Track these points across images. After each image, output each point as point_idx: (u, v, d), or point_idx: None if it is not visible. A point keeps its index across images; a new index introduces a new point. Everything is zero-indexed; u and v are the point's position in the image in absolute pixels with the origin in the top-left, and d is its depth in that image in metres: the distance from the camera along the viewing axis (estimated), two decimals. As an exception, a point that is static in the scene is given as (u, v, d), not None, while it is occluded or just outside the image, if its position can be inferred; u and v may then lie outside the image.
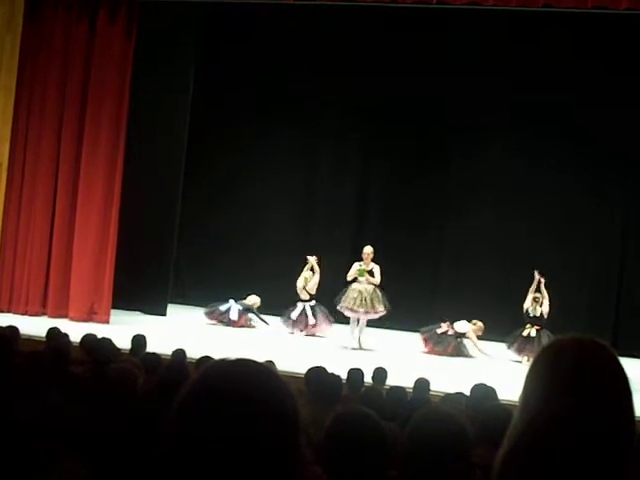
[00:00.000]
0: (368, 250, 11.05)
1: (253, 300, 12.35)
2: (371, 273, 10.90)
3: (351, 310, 10.94)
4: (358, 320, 11.03)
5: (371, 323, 11.34)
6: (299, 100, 13.31)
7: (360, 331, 11.03)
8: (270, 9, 11.88)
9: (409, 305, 12.39)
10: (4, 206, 11.51)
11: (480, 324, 11.10)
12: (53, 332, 7.68)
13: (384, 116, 13.02)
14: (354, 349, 10.77)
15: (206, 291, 13.06)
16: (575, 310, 11.98)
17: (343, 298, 10.97)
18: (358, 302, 10.84)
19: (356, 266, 10.98)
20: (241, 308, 12.15)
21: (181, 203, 12.60)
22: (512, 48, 12.25)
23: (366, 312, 10.92)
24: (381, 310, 10.95)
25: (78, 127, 11.46)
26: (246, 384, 1.28)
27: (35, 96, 11.50)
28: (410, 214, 13.01)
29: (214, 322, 12.18)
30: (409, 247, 12.90)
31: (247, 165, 13.48)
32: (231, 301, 12.18)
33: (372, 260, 11.01)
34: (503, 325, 11.81)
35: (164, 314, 12.25)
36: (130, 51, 11.40)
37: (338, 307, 11.07)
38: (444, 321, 11.16)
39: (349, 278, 10.99)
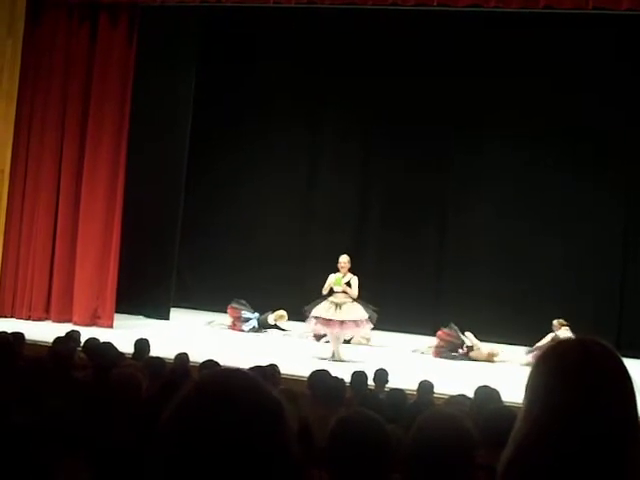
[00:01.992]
0: (344, 259, 9.95)
1: (280, 314, 12.12)
2: (348, 285, 9.82)
3: (325, 320, 9.80)
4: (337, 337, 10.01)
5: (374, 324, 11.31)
6: (300, 100, 13.33)
7: (337, 343, 10.00)
8: (271, 10, 11.86)
9: (411, 306, 12.38)
10: (6, 211, 11.51)
11: (497, 351, 10.86)
12: (74, 334, 7.77)
13: (385, 116, 13.02)
14: (333, 360, 9.74)
15: (209, 294, 13.07)
16: (578, 310, 11.95)
17: (315, 308, 9.86)
18: (332, 311, 9.74)
19: (331, 278, 9.87)
20: (257, 326, 12.06)
21: (183, 206, 12.60)
22: (513, 48, 12.23)
23: (342, 322, 9.76)
24: (362, 319, 9.81)
25: (80, 131, 11.47)
26: (234, 393, 1.31)
27: (37, 101, 11.51)
28: (412, 214, 12.98)
29: (230, 317, 12.09)
30: (411, 247, 12.87)
31: (248, 167, 13.47)
32: (255, 314, 12.10)
33: (349, 270, 9.94)
34: (505, 326, 11.83)
35: (167, 318, 12.24)
36: (131, 55, 11.41)
37: (308, 320, 9.96)
38: (467, 349, 10.86)
39: (324, 292, 9.86)
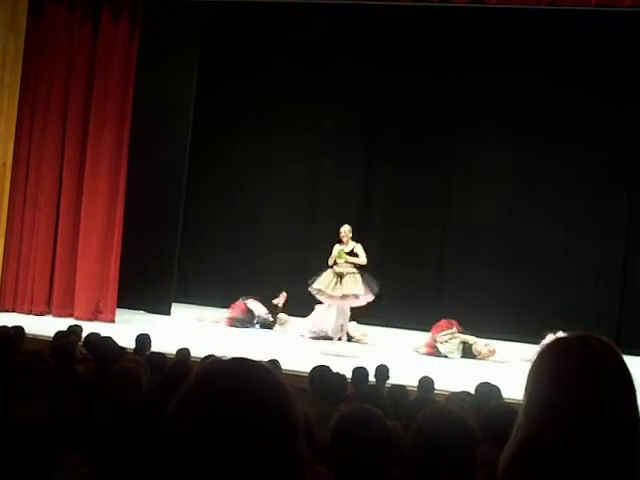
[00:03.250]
0: (345, 228, 9.94)
1: (283, 320, 12.06)
2: (353, 254, 9.78)
3: (327, 295, 9.83)
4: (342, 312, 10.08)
5: (376, 321, 11.30)
6: (303, 97, 13.31)
7: (344, 323, 10.09)
8: (273, 6, 11.86)
9: (412, 302, 12.38)
10: (9, 205, 11.52)
11: (493, 348, 10.81)
12: (75, 329, 7.78)
13: (387, 113, 13.01)
14: (340, 339, 10.02)
15: (210, 289, 13.08)
16: (578, 307, 11.96)
17: (318, 280, 9.82)
18: (333, 284, 9.69)
19: (336, 249, 9.87)
20: (258, 327, 12.02)
21: (184, 202, 12.60)
22: (516, 46, 12.21)
23: (344, 296, 9.74)
24: (362, 293, 9.72)
25: (82, 126, 11.47)
26: (244, 383, 1.28)
27: (39, 95, 11.51)
28: (414, 211, 12.98)
29: (229, 312, 12.08)
30: (412, 243, 12.87)
31: (250, 163, 13.48)
32: (257, 317, 12.08)
33: (353, 239, 9.92)
34: (505, 323, 11.83)
35: (168, 313, 12.25)
36: (133, 50, 11.40)
37: (311, 289, 9.86)
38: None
39: (330, 262, 9.83)
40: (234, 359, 1.36)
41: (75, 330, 7.78)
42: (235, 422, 1.24)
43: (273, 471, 1.25)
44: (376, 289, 9.85)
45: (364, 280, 9.77)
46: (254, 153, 13.45)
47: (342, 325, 10.19)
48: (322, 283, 9.79)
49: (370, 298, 9.90)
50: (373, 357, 9.27)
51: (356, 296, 9.77)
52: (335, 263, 9.81)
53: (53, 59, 11.48)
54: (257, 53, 13.18)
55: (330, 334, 10.73)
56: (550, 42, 12.02)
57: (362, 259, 9.80)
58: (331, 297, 9.87)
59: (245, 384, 1.28)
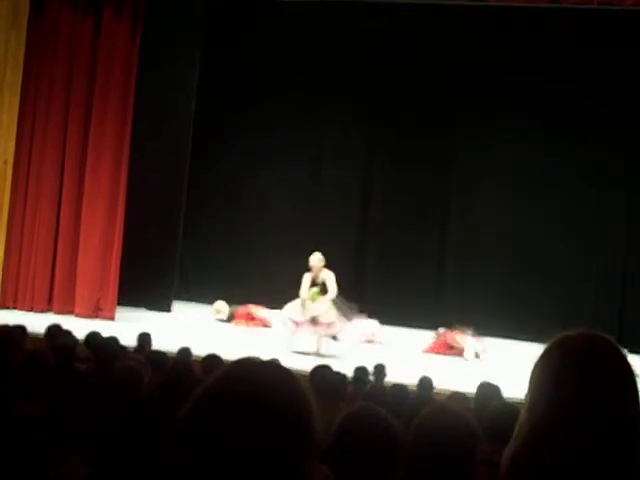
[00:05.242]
0: (314, 261, 9.55)
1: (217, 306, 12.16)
2: (324, 287, 9.48)
3: (295, 322, 9.60)
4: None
5: (377, 320, 11.30)
6: (304, 95, 13.29)
7: (320, 340, 9.69)
8: (276, 3, 11.86)
9: (413, 301, 12.38)
10: (10, 202, 11.51)
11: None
12: (55, 329, 7.68)
13: (387, 112, 13.00)
14: (316, 355, 9.46)
15: (211, 287, 13.07)
16: (579, 306, 11.96)
17: (286, 307, 9.77)
18: (300, 310, 9.52)
19: (307, 279, 9.55)
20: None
21: (186, 199, 12.60)
22: (515, 46, 12.20)
23: (313, 321, 9.45)
24: (333, 320, 9.50)
25: (84, 123, 11.46)
26: (265, 388, 1.28)
27: (41, 92, 11.50)
28: (414, 211, 12.98)
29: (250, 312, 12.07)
30: (413, 243, 12.87)
31: (251, 160, 13.46)
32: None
33: (324, 267, 9.60)
34: (505, 322, 11.83)
35: (169, 310, 12.26)
36: (135, 46, 11.40)
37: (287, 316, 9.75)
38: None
39: (302, 294, 9.51)
40: (262, 362, 1.36)
41: (52, 331, 7.64)
42: (249, 427, 1.24)
43: (276, 474, 1.25)
44: (351, 314, 9.78)
45: (337, 306, 9.58)
46: (255, 152, 13.44)
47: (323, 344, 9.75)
48: (290, 312, 9.63)
49: (342, 328, 9.73)
50: (377, 356, 9.23)
51: (328, 325, 9.56)
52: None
53: (55, 56, 11.47)
54: (259, 51, 13.17)
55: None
56: (550, 42, 12.00)
57: (331, 293, 9.47)
58: (299, 324, 9.58)
59: (265, 390, 1.28)
